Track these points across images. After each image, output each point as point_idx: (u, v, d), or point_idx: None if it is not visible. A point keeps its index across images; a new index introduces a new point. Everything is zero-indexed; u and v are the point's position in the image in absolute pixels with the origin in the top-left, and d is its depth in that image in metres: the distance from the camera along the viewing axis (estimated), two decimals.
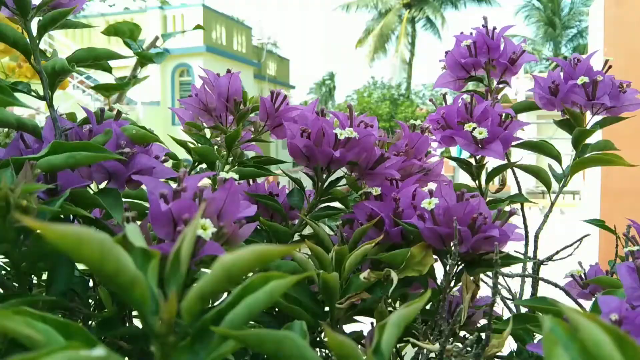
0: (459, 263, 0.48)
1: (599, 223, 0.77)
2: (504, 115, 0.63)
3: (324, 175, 0.57)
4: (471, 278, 0.48)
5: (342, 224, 0.60)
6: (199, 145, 0.56)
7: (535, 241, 0.69)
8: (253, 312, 0.23)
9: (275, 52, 16.73)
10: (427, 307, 0.58)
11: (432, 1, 21.11)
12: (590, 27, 4.92)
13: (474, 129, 0.61)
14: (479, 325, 0.64)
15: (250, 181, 0.63)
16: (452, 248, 0.41)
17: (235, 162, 0.59)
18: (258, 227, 0.60)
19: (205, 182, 0.48)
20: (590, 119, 0.67)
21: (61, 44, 10.11)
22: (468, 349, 0.39)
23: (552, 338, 0.23)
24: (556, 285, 0.67)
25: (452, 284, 0.49)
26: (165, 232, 0.35)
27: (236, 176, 0.39)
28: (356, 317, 0.55)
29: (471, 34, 0.75)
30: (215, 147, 0.61)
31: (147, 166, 0.46)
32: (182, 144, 0.61)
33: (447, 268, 0.42)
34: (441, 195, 0.48)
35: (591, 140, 0.68)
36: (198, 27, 1.09)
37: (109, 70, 0.63)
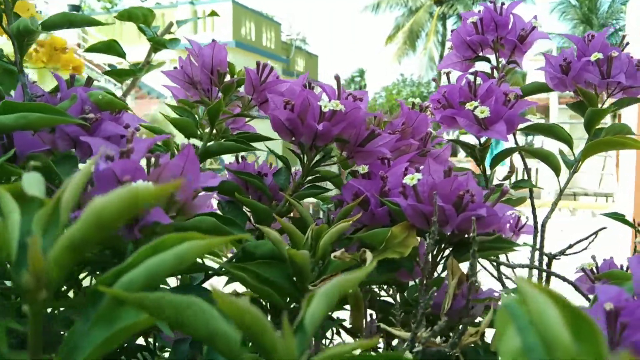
0: (445, 247, 0.44)
1: (618, 217, 0.72)
2: (510, 94, 0.59)
3: (312, 153, 0.54)
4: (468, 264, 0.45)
5: (335, 207, 0.57)
6: (179, 117, 0.53)
7: (542, 231, 0.65)
8: (154, 275, 0.20)
9: (304, 49, 16.67)
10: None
11: None
12: (628, 26, 4.73)
13: (476, 107, 0.57)
14: (481, 318, 0.60)
15: (240, 160, 0.60)
16: (432, 227, 0.38)
17: (218, 137, 0.57)
18: (244, 210, 0.57)
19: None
20: (605, 102, 0.62)
21: (95, 38, 10.33)
22: (444, 337, 0.35)
23: (505, 316, 0.20)
24: (564, 279, 0.62)
25: (438, 269, 0.45)
26: None
27: (198, 143, 0.36)
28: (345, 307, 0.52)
29: (479, 11, 0.70)
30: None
31: (114, 134, 0.44)
32: (171, 120, 0.59)
33: (426, 248, 0.38)
34: (429, 172, 0.45)
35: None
36: (213, 13, 1.08)
37: (122, 55, 0.62)
